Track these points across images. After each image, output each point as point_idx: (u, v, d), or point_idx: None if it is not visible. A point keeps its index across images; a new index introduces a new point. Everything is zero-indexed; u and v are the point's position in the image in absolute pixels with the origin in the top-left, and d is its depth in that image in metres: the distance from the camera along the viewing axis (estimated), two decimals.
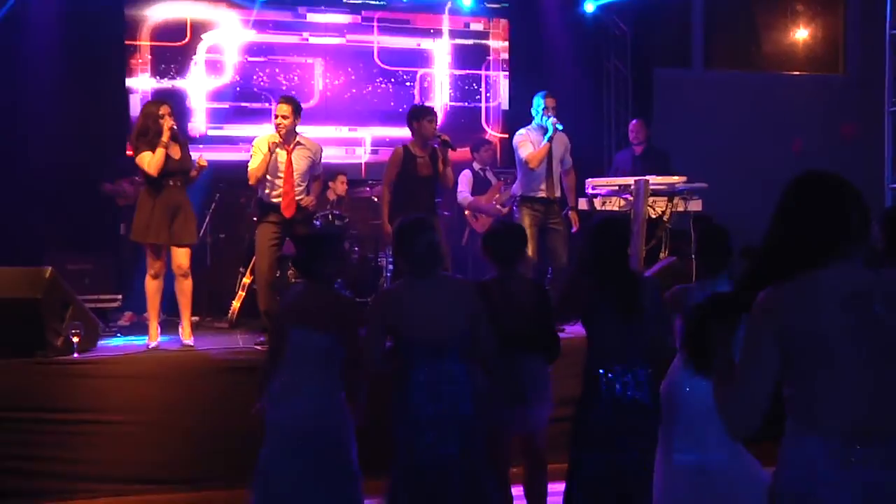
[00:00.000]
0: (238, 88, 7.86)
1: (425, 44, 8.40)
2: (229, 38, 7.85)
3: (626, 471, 3.17)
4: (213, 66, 7.82)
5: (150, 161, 5.04)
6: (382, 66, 8.26)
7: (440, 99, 8.37)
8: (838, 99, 9.09)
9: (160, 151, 5.04)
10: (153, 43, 7.64)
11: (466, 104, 8.51)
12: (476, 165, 7.19)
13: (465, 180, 7.01)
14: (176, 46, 7.71)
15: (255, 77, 7.94)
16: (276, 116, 5.40)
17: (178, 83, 7.70)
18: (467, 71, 8.50)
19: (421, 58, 8.39)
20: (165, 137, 5.05)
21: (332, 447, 3.22)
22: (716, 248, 3.47)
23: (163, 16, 7.66)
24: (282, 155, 5.39)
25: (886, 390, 1.78)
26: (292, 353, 3.26)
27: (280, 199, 5.38)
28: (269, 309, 5.29)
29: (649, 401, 3.22)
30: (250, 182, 5.47)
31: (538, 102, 6.02)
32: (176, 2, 7.69)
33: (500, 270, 3.52)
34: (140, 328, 6.04)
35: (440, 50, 8.41)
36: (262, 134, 5.60)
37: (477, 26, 8.51)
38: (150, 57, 7.64)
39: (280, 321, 3.37)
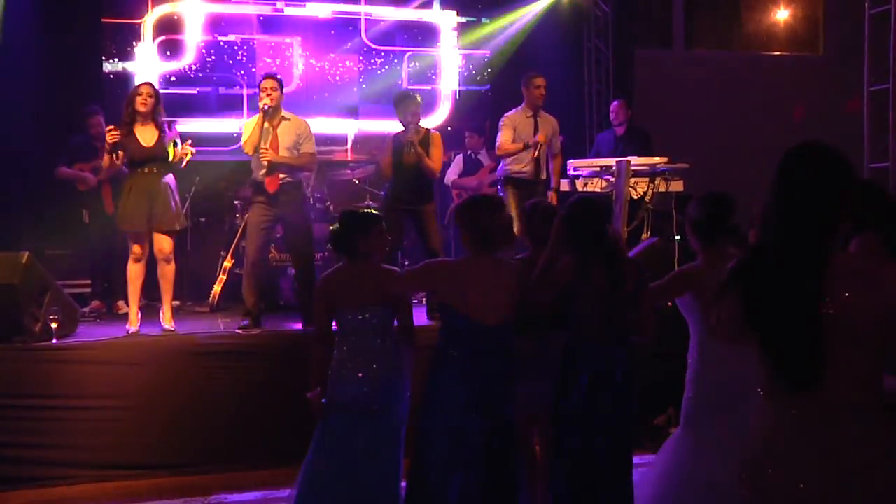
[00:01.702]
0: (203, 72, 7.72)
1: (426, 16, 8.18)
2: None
3: (603, 449, 3.18)
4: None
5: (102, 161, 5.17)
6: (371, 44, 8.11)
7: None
8: (818, 79, 9.19)
9: (106, 158, 5.14)
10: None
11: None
12: (469, 150, 7.39)
13: (456, 163, 7.26)
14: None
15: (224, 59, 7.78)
16: (263, 90, 5.36)
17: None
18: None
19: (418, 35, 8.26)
20: (109, 140, 5.01)
21: (394, 418, 3.29)
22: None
23: None
24: (267, 131, 5.37)
25: None
26: (347, 332, 3.30)
27: (264, 176, 5.34)
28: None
29: (621, 378, 3.22)
30: (246, 150, 5.43)
31: (525, 83, 6.12)
32: None
33: (535, 251, 3.50)
34: (115, 315, 6.06)
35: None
36: (251, 118, 5.63)
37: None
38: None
39: (328, 303, 3.35)
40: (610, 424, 3.20)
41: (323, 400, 3.26)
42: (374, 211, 3.63)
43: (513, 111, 6.20)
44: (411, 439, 3.24)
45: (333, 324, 3.38)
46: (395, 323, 3.38)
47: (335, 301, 3.31)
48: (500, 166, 6.30)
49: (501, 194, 6.13)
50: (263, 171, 5.33)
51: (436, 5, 8.21)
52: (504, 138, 6.03)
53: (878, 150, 6.72)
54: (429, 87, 8.10)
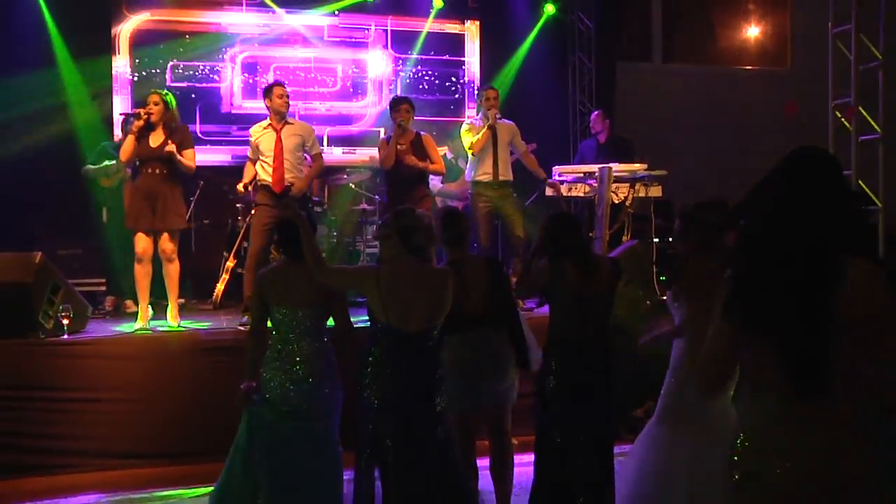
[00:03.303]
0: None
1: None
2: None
3: (584, 440, 3.19)
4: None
5: (122, 147, 5.08)
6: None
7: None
8: (785, 92, 9.22)
9: (129, 139, 5.03)
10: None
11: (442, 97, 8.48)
12: (449, 154, 7.30)
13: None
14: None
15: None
16: (281, 97, 5.41)
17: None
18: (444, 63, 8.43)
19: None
20: (135, 125, 5.02)
21: (321, 416, 3.24)
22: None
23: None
24: (271, 135, 5.40)
25: None
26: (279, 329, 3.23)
27: (270, 178, 5.35)
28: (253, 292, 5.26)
29: (600, 373, 3.23)
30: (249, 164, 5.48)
31: (479, 96, 6.07)
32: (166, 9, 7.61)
33: (451, 253, 3.49)
34: (122, 313, 6.03)
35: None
36: (256, 124, 5.64)
37: (452, 28, 8.41)
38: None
39: (262, 300, 3.28)
40: (590, 417, 3.20)
41: (255, 396, 3.18)
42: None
43: (472, 119, 6.16)
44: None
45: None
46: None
47: (269, 298, 3.22)
48: (466, 173, 6.20)
49: (469, 198, 6.11)
50: (269, 172, 5.34)
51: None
52: (470, 140, 5.90)
53: (841, 158, 6.78)
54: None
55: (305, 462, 3.15)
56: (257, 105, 6.74)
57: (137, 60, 7.53)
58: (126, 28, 7.48)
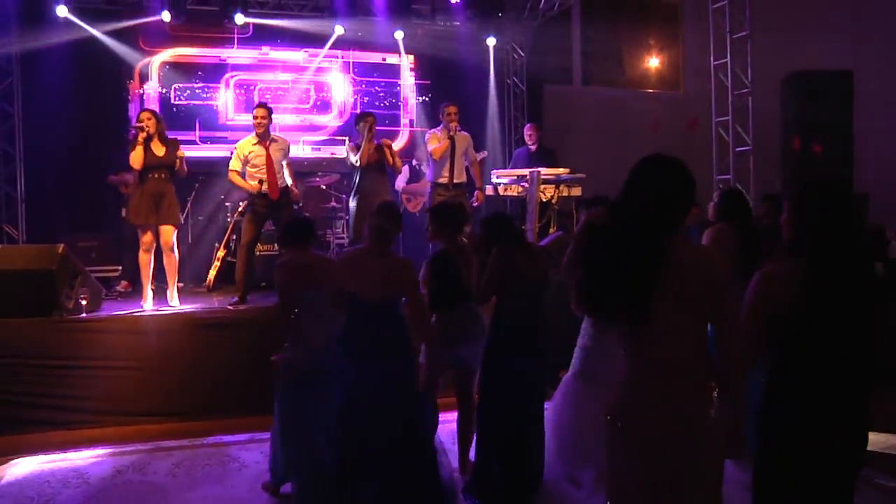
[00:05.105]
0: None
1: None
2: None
3: (526, 395, 3.26)
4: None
5: (132, 156, 5.07)
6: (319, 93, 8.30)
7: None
8: (679, 111, 9.41)
9: (138, 149, 5.05)
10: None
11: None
12: (414, 161, 7.40)
13: (403, 173, 7.21)
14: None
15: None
16: (256, 118, 5.41)
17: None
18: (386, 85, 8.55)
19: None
20: (140, 137, 5.05)
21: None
22: None
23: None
24: (261, 150, 5.42)
25: None
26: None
27: (266, 188, 5.40)
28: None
29: (538, 341, 3.29)
30: (229, 178, 5.45)
31: (441, 111, 6.17)
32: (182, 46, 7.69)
33: (451, 241, 3.48)
34: (135, 294, 6.00)
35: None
36: (242, 139, 5.64)
37: (393, 59, 8.44)
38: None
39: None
40: (531, 376, 3.26)
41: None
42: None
43: (434, 129, 6.20)
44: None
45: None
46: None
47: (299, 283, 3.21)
48: (428, 175, 6.26)
49: (428, 197, 6.19)
50: (264, 182, 5.39)
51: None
52: (433, 146, 5.99)
53: (723, 166, 6.99)
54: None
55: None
56: (246, 118, 6.83)
57: (161, 84, 7.68)
58: (157, 59, 7.68)
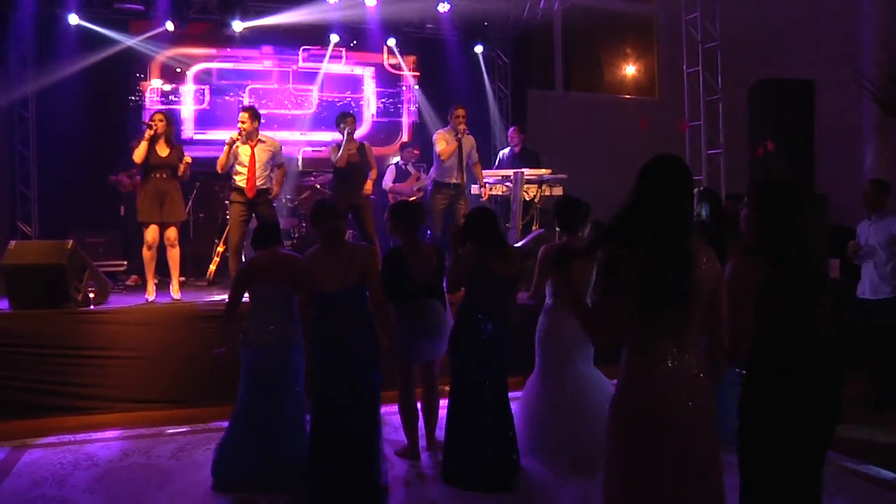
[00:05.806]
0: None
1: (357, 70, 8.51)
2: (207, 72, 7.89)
3: (491, 382, 3.28)
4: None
5: (135, 151, 5.06)
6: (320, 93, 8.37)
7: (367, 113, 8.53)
8: (654, 116, 9.35)
9: (143, 145, 5.02)
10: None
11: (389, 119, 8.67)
12: (400, 161, 7.33)
13: (390, 171, 7.13)
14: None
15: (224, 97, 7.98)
16: (239, 121, 5.40)
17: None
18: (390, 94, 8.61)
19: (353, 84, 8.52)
20: (147, 134, 5.03)
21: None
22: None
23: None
24: (246, 149, 5.38)
25: None
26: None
27: (244, 184, 5.38)
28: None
29: (505, 334, 3.32)
30: (217, 169, 5.42)
31: (450, 113, 6.13)
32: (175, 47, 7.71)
33: (406, 238, 3.49)
34: (140, 287, 6.00)
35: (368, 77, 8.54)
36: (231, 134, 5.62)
37: (393, 60, 8.52)
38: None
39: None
40: (496, 365, 3.28)
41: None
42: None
43: (442, 129, 6.18)
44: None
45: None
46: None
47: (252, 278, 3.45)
48: (432, 172, 6.22)
49: (427, 197, 6.16)
50: (241, 178, 5.35)
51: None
52: (441, 147, 5.97)
53: (694, 166, 7.20)
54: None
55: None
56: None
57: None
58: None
